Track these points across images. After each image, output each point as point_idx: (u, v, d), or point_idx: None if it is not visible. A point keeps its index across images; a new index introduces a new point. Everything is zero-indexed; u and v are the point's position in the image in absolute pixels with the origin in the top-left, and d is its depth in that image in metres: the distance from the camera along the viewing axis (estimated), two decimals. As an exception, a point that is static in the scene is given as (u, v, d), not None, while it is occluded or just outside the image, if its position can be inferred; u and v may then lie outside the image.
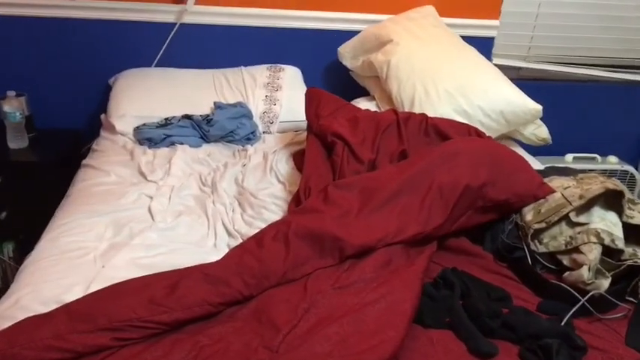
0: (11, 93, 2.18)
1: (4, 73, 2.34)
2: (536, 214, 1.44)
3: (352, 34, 2.38)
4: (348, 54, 2.36)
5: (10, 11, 2.25)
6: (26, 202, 2.17)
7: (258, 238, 1.38)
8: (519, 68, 2.69)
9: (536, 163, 2.02)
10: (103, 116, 2.18)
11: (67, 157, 2.25)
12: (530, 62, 2.68)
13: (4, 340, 1.07)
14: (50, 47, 2.33)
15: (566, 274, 1.33)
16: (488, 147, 1.58)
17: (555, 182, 1.52)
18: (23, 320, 1.14)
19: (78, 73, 2.39)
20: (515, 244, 1.44)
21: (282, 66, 2.40)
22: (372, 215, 1.42)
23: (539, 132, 2.20)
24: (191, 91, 2.23)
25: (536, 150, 2.28)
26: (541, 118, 2.16)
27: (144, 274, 1.31)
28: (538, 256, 1.40)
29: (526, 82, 2.60)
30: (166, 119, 2.09)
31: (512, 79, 2.18)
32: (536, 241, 1.43)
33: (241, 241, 1.52)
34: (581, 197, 1.40)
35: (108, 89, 2.32)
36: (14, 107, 2.15)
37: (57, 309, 1.17)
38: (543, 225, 1.41)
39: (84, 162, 1.94)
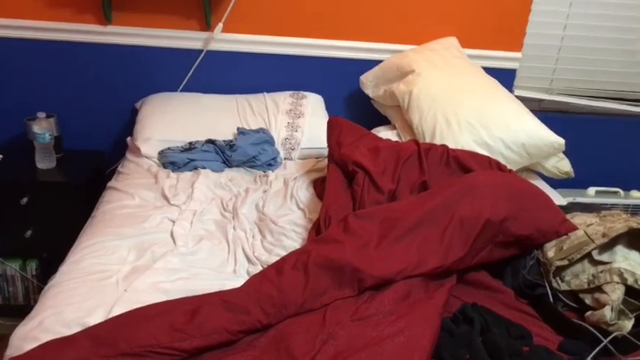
0: (41, 114, 2.24)
1: (35, 94, 2.41)
2: (559, 251, 1.43)
3: (374, 63, 2.41)
4: (370, 83, 2.39)
5: (42, 35, 2.32)
6: (51, 221, 2.22)
7: (279, 267, 1.39)
8: (541, 100, 2.68)
9: (557, 197, 2.02)
10: (129, 139, 2.22)
11: (92, 178, 2.29)
12: (552, 94, 2.68)
13: (27, 363, 1.09)
14: (81, 70, 2.40)
15: (589, 313, 1.32)
16: (511, 181, 1.57)
17: (578, 219, 1.51)
18: (46, 343, 1.16)
19: (106, 95, 2.45)
20: (536, 280, 1.43)
21: (305, 93, 2.43)
22: (392, 247, 1.43)
23: (561, 165, 2.19)
24: (215, 116, 2.27)
25: (557, 183, 2.27)
26: (563, 151, 2.15)
27: (165, 299, 1.33)
28: (560, 294, 1.39)
29: (548, 114, 2.60)
30: (190, 143, 2.13)
31: (533, 111, 2.18)
32: (558, 278, 1.41)
33: (261, 267, 1.53)
34: (604, 235, 1.39)
35: (134, 112, 2.38)
36: (44, 128, 2.21)
37: (79, 332, 1.19)
38: (565, 262, 1.40)
39: (109, 184, 1.97)
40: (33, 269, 2.30)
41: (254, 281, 1.36)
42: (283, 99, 2.38)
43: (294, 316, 1.29)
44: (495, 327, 1.28)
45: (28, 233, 2.22)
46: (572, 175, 2.23)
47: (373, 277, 1.34)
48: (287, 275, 1.35)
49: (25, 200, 2.17)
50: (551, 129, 2.08)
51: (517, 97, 2.31)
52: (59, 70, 2.39)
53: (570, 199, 2.41)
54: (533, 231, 1.48)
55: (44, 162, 2.24)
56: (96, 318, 1.27)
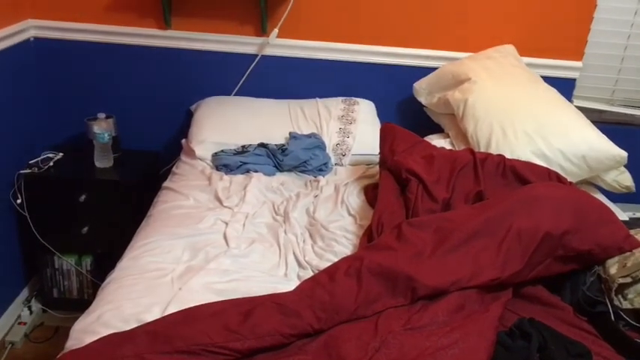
0: (101, 115, 2.32)
1: (95, 95, 2.50)
2: (621, 268, 1.38)
3: (428, 70, 2.38)
4: (423, 90, 2.36)
5: (104, 38, 2.41)
6: (106, 218, 2.28)
7: (331, 272, 1.39)
8: (602, 111, 2.59)
9: (618, 211, 1.94)
10: (183, 141, 2.27)
11: (146, 178, 2.35)
12: (613, 106, 2.59)
13: (88, 356, 1.12)
14: (140, 73, 2.47)
15: (653, 334, 1.26)
16: (572, 194, 1.53)
17: (642, 235, 1.45)
18: (105, 337, 1.19)
19: (163, 98, 2.51)
20: (597, 297, 1.38)
21: (357, 99, 2.43)
22: (446, 256, 1.41)
23: (622, 179, 2.11)
24: (268, 120, 2.30)
25: (618, 197, 2.19)
26: (624, 165, 2.07)
27: (217, 299, 1.35)
28: (622, 312, 1.33)
29: (609, 125, 2.51)
30: (243, 147, 2.16)
31: (594, 123, 2.11)
32: (620, 296, 1.36)
33: (311, 272, 1.54)
34: (671, 253, 1.33)
35: (189, 115, 2.43)
36: (103, 128, 2.28)
37: (137, 328, 1.22)
38: (629, 280, 1.35)
39: (164, 184, 2.02)
40: (88, 265, 2.37)
41: (306, 286, 1.36)
42: (335, 105, 2.38)
43: (346, 323, 1.28)
44: (554, 344, 1.24)
45: (85, 229, 2.29)
46: (634, 189, 2.14)
47: (427, 286, 1.33)
48: (339, 281, 1.35)
49: (83, 197, 2.24)
50: (613, 141, 2.01)
51: (577, 107, 2.23)
52: (119, 73, 2.47)
53: (630, 214, 2.31)
54: (594, 246, 1.43)
55: (102, 161, 2.31)
56: (152, 314, 1.30)
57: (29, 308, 2.40)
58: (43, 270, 2.38)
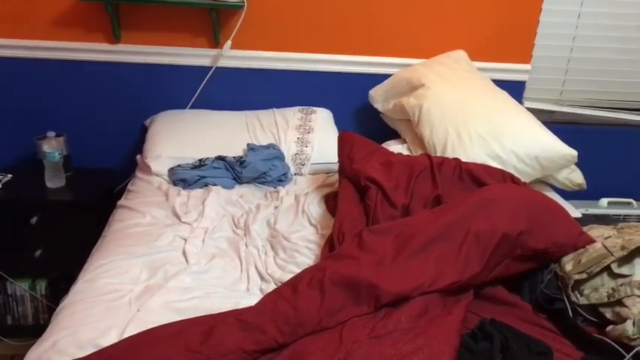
0: (51, 133, 2.25)
1: (44, 113, 2.42)
2: (577, 265, 1.41)
3: (383, 77, 2.41)
4: (379, 97, 2.38)
5: (52, 55, 2.34)
6: (60, 240, 2.21)
7: (293, 284, 1.38)
8: (552, 112, 2.67)
9: (571, 209, 1.99)
10: (138, 157, 2.22)
11: (101, 197, 2.29)
12: (562, 106, 2.67)
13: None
14: (90, 89, 2.41)
15: (610, 327, 1.29)
16: (527, 195, 1.56)
17: (595, 231, 1.49)
18: (61, 365, 1.15)
19: (115, 113, 2.45)
20: (555, 294, 1.40)
21: (314, 108, 2.43)
22: (407, 262, 1.41)
23: (574, 177, 2.17)
24: (225, 132, 2.27)
25: (570, 194, 2.25)
26: (575, 163, 2.13)
27: (178, 318, 1.31)
28: (579, 308, 1.36)
29: (559, 125, 2.58)
30: (200, 160, 2.12)
31: (544, 123, 2.17)
32: (576, 292, 1.39)
33: (274, 285, 1.52)
34: (623, 248, 1.37)
35: (143, 130, 2.38)
36: (53, 147, 2.21)
37: (94, 354, 1.17)
38: (584, 276, 1.38)
39: (119, 202, 1.96)
40: (42, 289, 2.28)
41: (269, 300, 1.34)
42: (292, 114, 2.37)
43: (310, 335, 1.27)
44: (515, 343, 1.25)
45: (38, 253, 2.21)
46: (585, 186, 2.21)
47: (390, 293, 1.32)
48: (302, 293, 1.33)
49: (34, 220, 2.16)
50: (563, 140, 2.07)
51: (528, 108, 2.29)
52: (69, 89, 2.40)
53: (583, 211, 2.38)
54: (550, 244, 1.46)
55: (54, 181, 2.24)
56: (110, 339, 1.26)
57: (-18, 338, 2.31)
58: (-5, 297, 2.29)
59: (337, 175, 2.01)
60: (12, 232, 2.19)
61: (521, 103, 2.55)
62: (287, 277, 1.49)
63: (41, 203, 2.18)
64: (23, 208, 2.16)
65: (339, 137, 2.03)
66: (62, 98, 2.41)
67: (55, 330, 1.31)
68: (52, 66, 2.36)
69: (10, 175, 2.26)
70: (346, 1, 2.37)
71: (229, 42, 2.35)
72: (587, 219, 1.68)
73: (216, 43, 2.37)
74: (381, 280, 1.34)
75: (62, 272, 2.22)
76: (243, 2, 2.24)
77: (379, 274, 1.36)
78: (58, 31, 2.31)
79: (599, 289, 1.36)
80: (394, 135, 2.40)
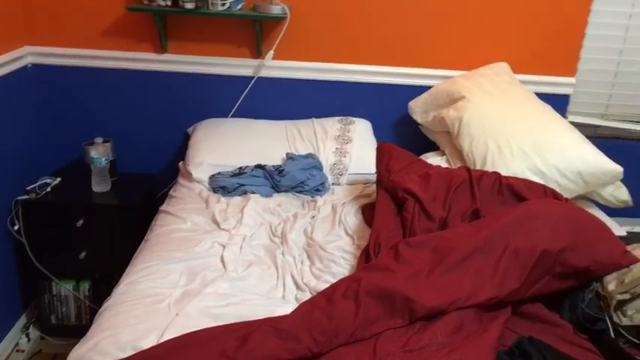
0: (98, 139, 2.32)
1: (93, 120, 2.51)
2: (620, 284, 1.37)
3: (423, 89, 2.40)
4: (418, 109, 2.38)
5: (101, 64, 2.43)
6: (104, 243, 2.28)
7: (328, 294, 1.39)
8: (596, 126, 2.61)
9: (615, 226, 1.93)
10: (181, 164, 2.28)
11: (144, 202, 2.35)
12: (608, 120, 2.60)
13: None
14: (136, 97, 2.49)
15: (654, 351, 1.25)
16: (569, 211, 1.53)
17: (639, 251, 1.45)
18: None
19: (160, 121, 2.53)
20: (596, 314, 1.37)
21: (353, 119, 2.44)
22: (444, 276, 1.40)
23: (619, 193, 2.10)
24: (265, 141, 2.30)
25: (616, 212, 2.18)
26: (621, 180, 2.07)
27: (215, 324, 1.34)
28: (622, 329, 1.32)
29: (604, 140, 2.52)
30: (240, 168, 2.16)
31: (589, 138, 2.11)
32: (619, 312, 1.35)
33: (309, 294, 1.53)
34: (669, 269, 1.32)
35: (186, 138, 2.44)
36: (100, 153, 2.28)
37: (133, 356, 1.21)
38: (627, 296, 1.34)
39: (162, 208, 2.02)
40: (86, 290, 2.36)
41: (304, 309, 1.36)
42: (332, 125, 2.39)
43: (344, 345, 1.27)
44: (554, 363, 1.23)
45: (82, 255, 2.28)
46: (631, 203, 2.14)
47: (425, 307, 1.32)
48: (337, 303, 1.34)
49: (80, 222, 2.23)
50: (608, 156, 2.02)
51: (572, 122, 2.25)
52: (116, 97, 2.49)
53: (629, 229, 2.31)
54: (592, 263, 1.42)
55: (100, 185, 2.31)
56: (149, 341, 1.29)
57: (27, 335, 2.39)
58: (41, 296, 2.37)
59: (375, 185, 2.01)
60: (59, 235, 2.27)
61: (565, 117, 2.50)
62: (322, 286, 1.51)
63: (87, 207, 2.26)
64: (70, 211, 2.24)
65: (377, 148, 2.03)
66: (110, 105, 2.50)
67: (97, 331, 1.36)
68: (102, 74, 2.45)
69: (59, 179, 2.34)
70: (388, 13, 2.38)
71: (271, 52, 2.39)
72: (633, 237, 1.62)
73: (258, 53, 2.41)
74: (417, 293, 1.33)
75: (105, 274, 2.29)
76: (286, 14, 2.28)
77: (415, 287, 1.36)
78: (107, 41, 2.40)
79: (643, 311, 1.32)
80: (433, 147, 2.38)
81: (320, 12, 2.36)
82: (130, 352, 1.25)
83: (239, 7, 2.27)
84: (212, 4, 2.21)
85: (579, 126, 2.34)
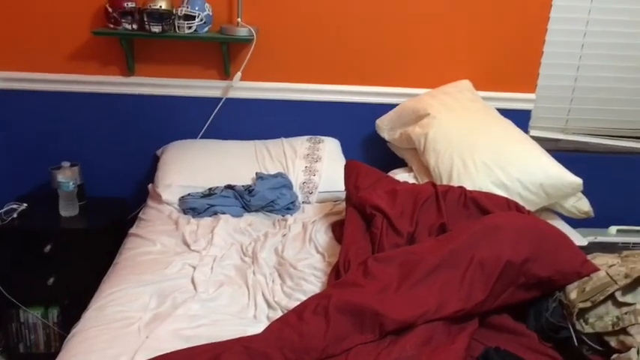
0: (66, 163, 2.30)
1: (59, 144, 2.49)
2: (581, 293, 1.41)
3: (390, 107, 2.46)
4: (385, 126, 2.43)
5: (67, 87, 2.42)
6: (73, 268, 2.24)
7: (299, 312, 1.40)
8: (558, 140, 2.69)
9: (577, 237, 1.99)
10: (150, 186, 2.27)
11: (113, 225, 2.33)
12: (568, 134, 2.69)
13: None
14: (104, 120, 2.48)
15: (614, 356, 1.29)
16: (531, 223, 1.57)
17: (599, 260, 1.50)
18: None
19: (128, 144, 2.52)
20: (560, 323, 1.41)
21: (322, 137, 2.47)
22: (412, 290, 1.42)
23: (580, 205, 2.18)
24: (234, 161, 2.32)
25: (578, 222, 2.25)
26: (582, 191, 2.14)
27: (186, 346, 1.33)
28: (584, 337, 1.36)
29: (565, 153, 2.60)
30: (210, 189, 2.16)
31: (550, 151, 2.19)
32: (581, 320, 1.39)
33: (281, 312, 1.54)
34: (627, 276, 1.37)
35: (155, 160, 2.43)
36: (68, 177, 2.26)
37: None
38: (588, 304, 1.38)
39: (131, 231, 2.00)
40: (54, 316, 2.31)
41: (274, 327, 1.37)
42: (300, 144, 2.42)
43: (316, 362, 1.28)
44: (520, 372, 1.26)
45: (51, 280, 2.25)
46: (592, 214, 2.21)
47: (395, 321, 1.34)
48: (308, 320, 1.35)
49: (48, 248, 2.20)
50: (569, 168, 2.09)
51: (533, 137, 2.32)
52: (84, 120, 2.47)
53: (591, 239, 2.38)
54: (554, 272, 1.47)
55: (67, 210, 2.29)
56: (119, 366, 1.28)
57: (-6, 365, 2.33)
58: (8, 324, 2.31)
59: (344, 203, 2.04)
60: (26, 261, 2.23)
61: (527, 131, 2.58)
62: (294, 304, 1.51)
63: (55, 232, 2.23)
64: (37, 236, 2.21)
65: (345, 166, 2.07)
66: (77, 129, 2.48)
67: (65, 357, 1.34)
68: (68, 98, 2.43)
69: (25, 205, 2.31)
70: (352, 33, 2.43)
71: (239, 74, 2.41)
72: (593, 247, 1.68)
73: (226, 74, 2.43)
74: (386, 307, 1.36)
75: (74, 300, 2.25)
76: (253, 36, 2.31)
77: (384, 301, 1.38)
78: (74, 65, 2.39)
79: (603, 318, 1.37)
80: (401, 164, 2.43)
81: (286, 34, 2.40)
82: (99, 378, 1.23)
83: (205, 29, 2.29)
84: (179, 27, 2.23)
85: (541, 140, 2.42)
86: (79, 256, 2.24)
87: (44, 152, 2.48)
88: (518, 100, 2.58)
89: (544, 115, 2.67)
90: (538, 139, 2.32)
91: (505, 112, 2.40)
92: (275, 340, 1.30)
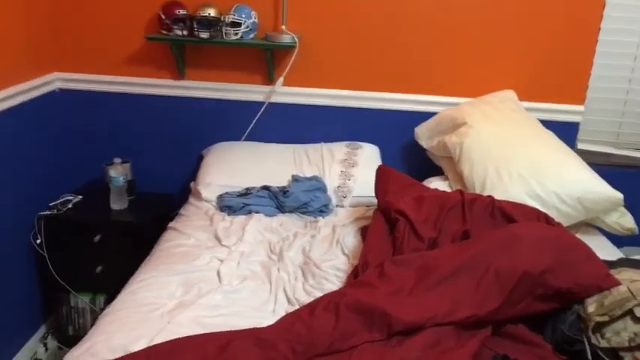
0: (117, 160, 2.46)
1: (113, 142, 2.66)
2: (599, 307, 1.38)
3: (431, 115, 2.45)
4: (424, 134, 2.43)
5: (122, 89, 2.58)
6: (119, 258, 2.37)
7: (312, 307, 1.44)
8: (609, 154, 2.59)
9: (608, 252, 1.91)
10: (192, 184, 2.38)
11: (159, 220, 2.45)
12: (620, 149, 2.59)
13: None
14: (155, 120, 2.62)
15: (629, 373, 1.25)
16: (553, 233, 1.54)
17: (624, 274, 1.45)
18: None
19: (177, 144, 2.65)
20: (575, 336, 1.37)
21: (361, 144, 2.51)
22: (424, 293, 1.44)
23: (624, 221, 2.09)
24: (273, 163, 2.39)
25: (623, 241, 2.16)
26: (628, 207, 2.06)
27: (203, 332, 1.40)
28: (599, 351, 1.33)
29: (617, 168, 2.51)
30: (247, 189, 2.25)
31: (601, 165, 2.12)
32: (598, 334, 1.35)
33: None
34: (648, 292, 1.33)
35: (201, 159, 2.55)
36: (119, 172, 2.41)
37: (121, 357, 1.29)
38: (606, 318, 1.35)
39: (170, 225, 2.12)
40: (101, 303, 2.46)
41: (287, 320, 1.42)
42: (339, 149, 2.46)
43: (322, 356, 1.32)
44: (526, 381, 1.24)
45: (99, 269, 2.40)
46: (637, 231, 2.12)
47: (403, 322, 1.36)
48: (318, 315, 1.39)
49: (97, 238, 2.35)
50: (620, 183, 2.02)
51: (582, 150, 2.25)
52: (136, 120, 2.63)
53: (623, 256, 2.28)
54: (573, 284, 1.43)
55: (117, 203, 2.44)
56: (139, 345, 1.37)
57: (45, 345, 2.50)
58: (59, 308, 2.48)
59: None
60: (78, 249, 2.39)
61: (574, 144, 2.51)
62: (311, 301, 1.56)
63: (105, 223, 2.38)
64: (88, 227, 2.37)
65: (376, 171, 2.09)
66: (130, 128, 2.64)
67: (94, 334, 1.45)
68: (123, 99, 2.60)
69: (79, 197, 2.48)
70: (395, 41, 2.46)
71: (282, 79, 2.49)
72: (624, 263, 1.62)
73: (269, 80, 2.52)
74: (395, 308, 1.38)
75: (119, 288, 2.38)
76: (295, 43, 2.38)
77: (394, 302, 1.40)
78: (129, 68, 2.55)
79: (620, 333, 1.33)
80: (439, 172, 2.42)
81: (328, 41, 2.46)
82: (120, 355, 1.32)
83: (251, 36, 2.39)
84: (225, 33, 2.34)
85: (591, 154, 2.35)
86: (126, 247, 2.37)
87: (100, 149, 2.65)
88: (565, 111, 2.51)
89: (594, 129, 2.58)
90: (587, 153, 2.26)
91: (551, 124, 2.35)
92: (285, 333, 1.35)
